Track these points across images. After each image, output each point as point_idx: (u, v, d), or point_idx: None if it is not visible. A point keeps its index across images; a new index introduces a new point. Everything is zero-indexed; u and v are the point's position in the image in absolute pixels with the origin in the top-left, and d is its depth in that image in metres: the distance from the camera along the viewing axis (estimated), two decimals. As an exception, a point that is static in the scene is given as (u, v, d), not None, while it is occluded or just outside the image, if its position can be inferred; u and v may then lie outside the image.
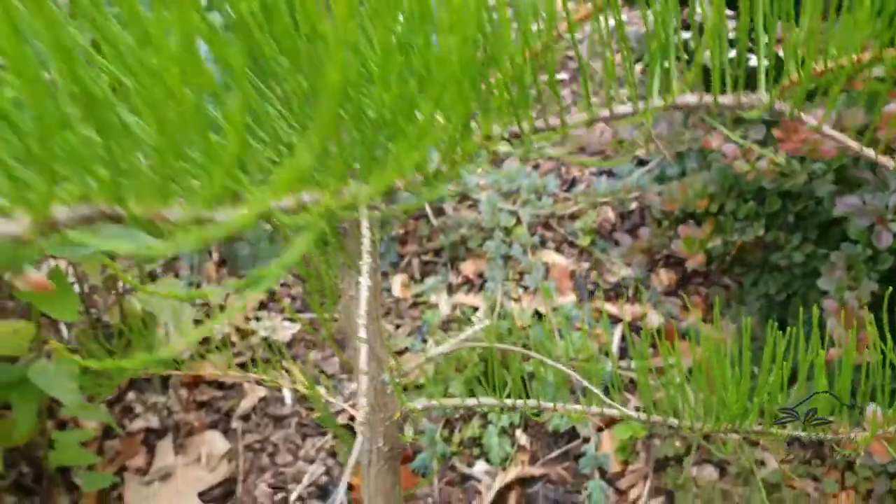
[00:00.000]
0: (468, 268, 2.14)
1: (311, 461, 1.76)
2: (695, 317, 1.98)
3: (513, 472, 1.70)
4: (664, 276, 2.09)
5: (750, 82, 0.52)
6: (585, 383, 0.78)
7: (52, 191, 0.22)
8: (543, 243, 2.20)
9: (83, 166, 0.23)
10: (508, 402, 0.93)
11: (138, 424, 1.80)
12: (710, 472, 1.71)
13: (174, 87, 0.21)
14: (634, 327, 1.98)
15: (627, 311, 2.02)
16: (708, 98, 0.52)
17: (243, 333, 2.02)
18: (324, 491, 1.71)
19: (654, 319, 1.98)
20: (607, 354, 1.90)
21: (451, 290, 2.09)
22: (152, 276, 1.77)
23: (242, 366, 1.78)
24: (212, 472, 1.72)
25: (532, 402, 0.92)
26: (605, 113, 0.52)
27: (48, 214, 0.22)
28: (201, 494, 1.69)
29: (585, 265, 2.15)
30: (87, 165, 0.23)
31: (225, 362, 1.87)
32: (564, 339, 1.85)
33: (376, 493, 1.01)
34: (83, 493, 1.64)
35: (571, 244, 2.21)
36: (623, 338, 1.99)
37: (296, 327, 2.05)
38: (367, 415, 0.74)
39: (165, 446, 1.77)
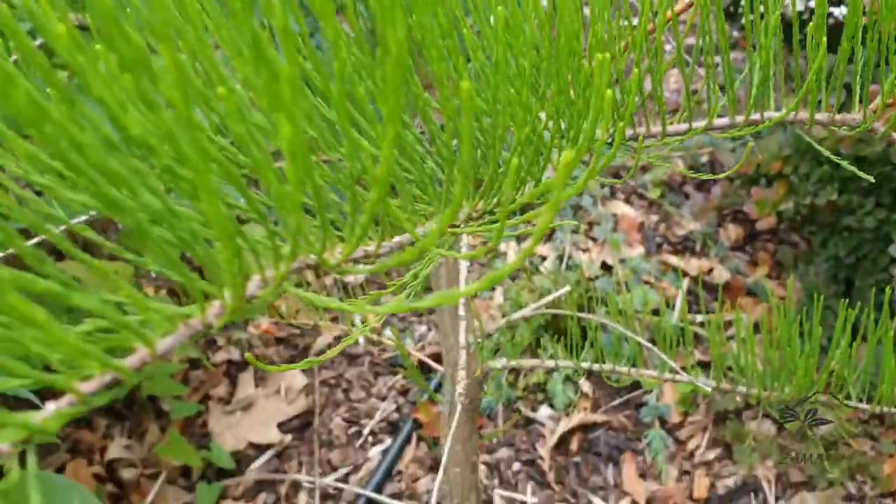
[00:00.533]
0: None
1: (383, 398, 1.85)
2: (761, 273, 2.00)
3: (576, 418, 1.77)
4: (732, 232, 2.11)
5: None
6: (663, 357, 0.83)
7: (296, 250, 0.27)
8: (613, 194, 2.22)
9: (301, 232, 0.28)
10: (585, 365, 0.98)
11: (221, 357, 1.91)
12: (768, 426, 1.76)
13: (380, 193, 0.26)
14: (701, 282, 2.01)
15: (694, 265, 2.05)
16: (803, 114, 0.55)
17: (318, 273, 2.10)
18: (394, 427, 1.80)
19: (721, 275, 2.01)
20: (672, 307, 1.94)
21: (519, 238, 2.13)
22: (241, 220, 1.85)
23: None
24: (290, 405, 1.82)
25: (608, 366, 0.98)
26: (705, 124, 0.56)
27: (285, 271, 0.28)
28: (280, 424, 1.80)
29: (654, 217, 2.18)
30: (304, 232, 0.29)
31: (299, 301, 1.96)
32: (631, 293, 1.88)
33: (456, 441, 1.08)
34: (171, 419, 1.75)
35: (641, 196, 2.23)
36: (689, 292, 2.02)
37: (368, 269, 2.12)
38: (465, 386, 0.80)
39: (247, 379, 1.87)
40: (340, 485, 1.69)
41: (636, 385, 1.84)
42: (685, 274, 2.04)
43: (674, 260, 2.07)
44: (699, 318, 1.94)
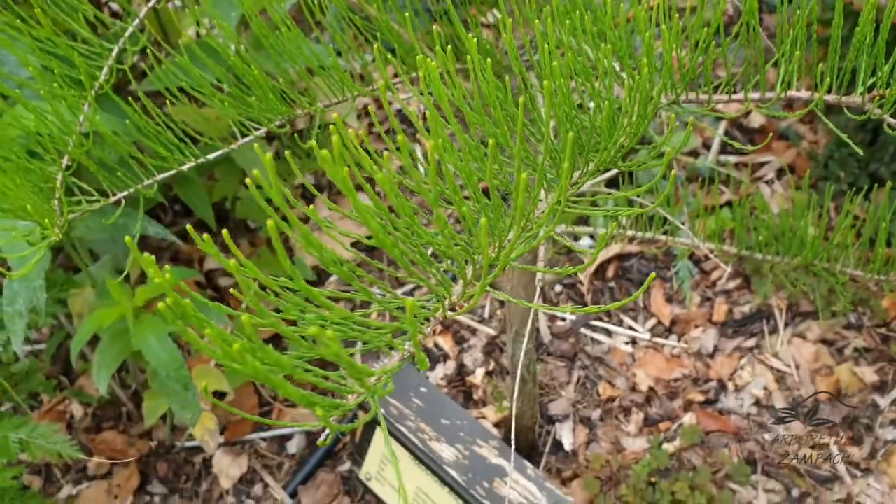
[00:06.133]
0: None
1: (442, 224, 2.09)
2: (795, 118, 2.15)
3: (614, 249, 2.00)
4: (773, 76, 2.23)
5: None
6: (693, 238, 1.03)
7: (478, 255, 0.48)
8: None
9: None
10: (630, 233, 1.19)
11: (297, 181, 2.13)
12: (786, 261, 1.97)
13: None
14: (737, 124, 2.17)
15: (733, 108, 2.19)
16: (815, 95, 0.72)
17: (380, 104, 2.28)
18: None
19: (757, 119, 2.16)
20: (709, 148, 2.11)
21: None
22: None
23: (379, 136, 2.06)
24: (361, 227, 2.06)
25: (649, 235, 1.19)
26: (740, 97, 0.74)
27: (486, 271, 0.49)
28: (354, 244, 2.05)
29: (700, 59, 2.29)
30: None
31: (364, 130, 2.15)
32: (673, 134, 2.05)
33: (518, 284, 1.32)
34: (259, 237, 2.01)
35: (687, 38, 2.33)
36: (725, 133, 2.18)
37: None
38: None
39: (321, 201, 2.10)
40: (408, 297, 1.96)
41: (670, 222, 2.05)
42: (722, 117, 2.19)
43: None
44: (732, 158, 2.11)
